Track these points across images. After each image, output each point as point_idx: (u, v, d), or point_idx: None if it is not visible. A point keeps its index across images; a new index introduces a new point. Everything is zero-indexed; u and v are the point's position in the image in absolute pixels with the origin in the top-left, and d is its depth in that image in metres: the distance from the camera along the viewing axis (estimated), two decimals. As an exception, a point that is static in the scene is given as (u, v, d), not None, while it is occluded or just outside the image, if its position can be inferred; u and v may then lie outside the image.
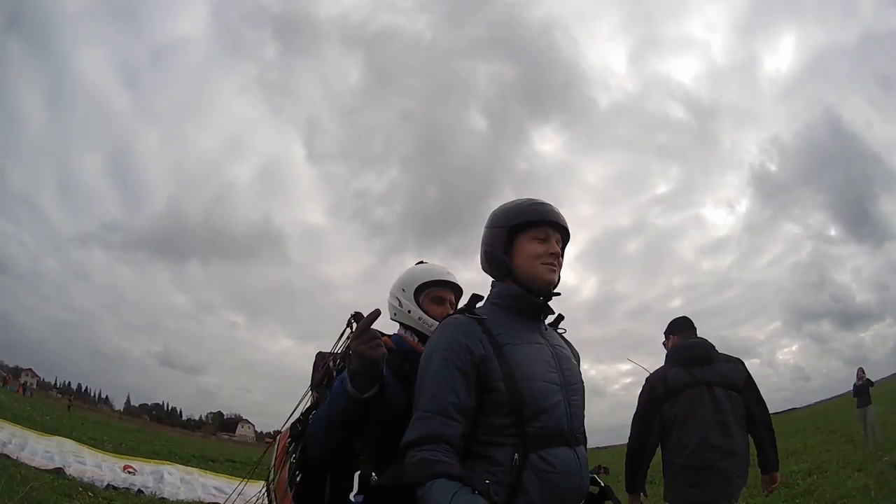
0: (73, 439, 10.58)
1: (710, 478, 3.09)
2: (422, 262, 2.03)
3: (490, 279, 1.71)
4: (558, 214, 1.63)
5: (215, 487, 9.16)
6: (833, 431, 15.96)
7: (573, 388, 1.54)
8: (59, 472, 7.56)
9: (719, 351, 3.45)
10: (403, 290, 1.91)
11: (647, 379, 3.51)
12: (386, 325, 1.90)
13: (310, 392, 1.74)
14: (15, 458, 7.64)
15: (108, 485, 7.69)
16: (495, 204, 1.73)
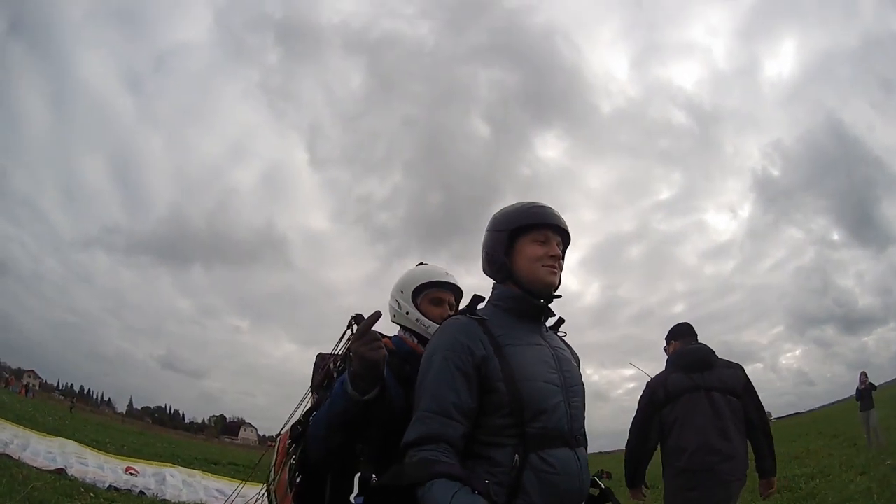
0: (76, 441, 10.59)
1: (709, 481, 3.12)
2: (422, 264, 2.02)
3: (491, 282, 1.72)
4: (558, 217, 1.64)
5: (217, 490, 9.14)
6: (836, 436, 15.89)
7: (573, 389, 1.55)
8: (60, 472, 7.56)
9: (721, 356, 3.50)
10: (402, 291, 1.91)
11: (647, 384, 3.57)
12: (388, 328, 1.91)
13: (310, 393, 1.74)
14: (17, 458, 7.65)
15: (110, 486, 7.70)
16: (498, 209, 1.74)
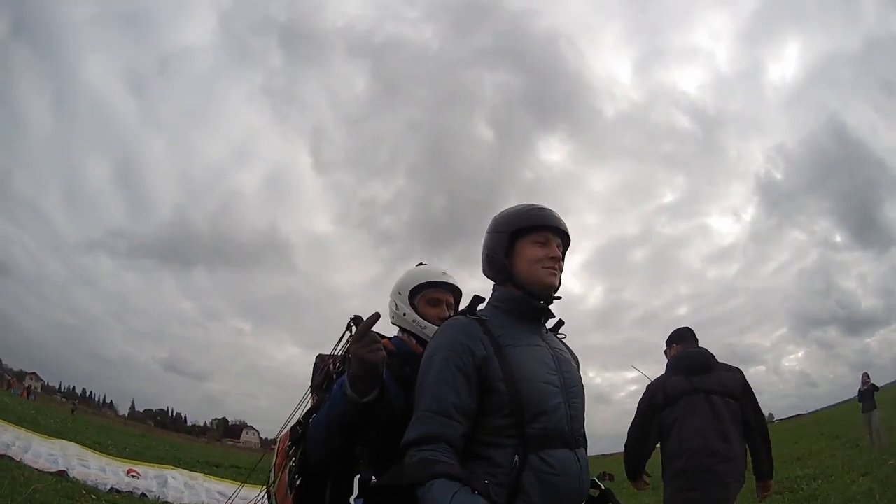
0: (77, 443, 10.59)
1: (708, 481, 3.17)
2: (422, 264, 2.02)
3: (492, 284, 1.72)
4: (558, 219, 1.65)
5: (219, 492, 9.13)
6: (838, 437, 15.88)
7: (573, 390, 1.55)
8: (62, 474, 7.56)
9: (724, 359, 3.56)
10: (399, 293, 1.90)
11: (647, 386, 3.63)
12: (388, 329, 1.92)
13: (310, 394, 1.74)
14: (18, 459, 7.65)
15: (112, 488, 7.68)
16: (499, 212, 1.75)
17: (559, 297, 1.64)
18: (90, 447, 10.74)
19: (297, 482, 1.57)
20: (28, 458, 7.88)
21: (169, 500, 8.05)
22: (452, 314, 1.83)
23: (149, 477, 8.89)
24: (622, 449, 3.66)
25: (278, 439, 1.72)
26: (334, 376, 1.66)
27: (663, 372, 3.66)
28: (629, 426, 3.60)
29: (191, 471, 11.07)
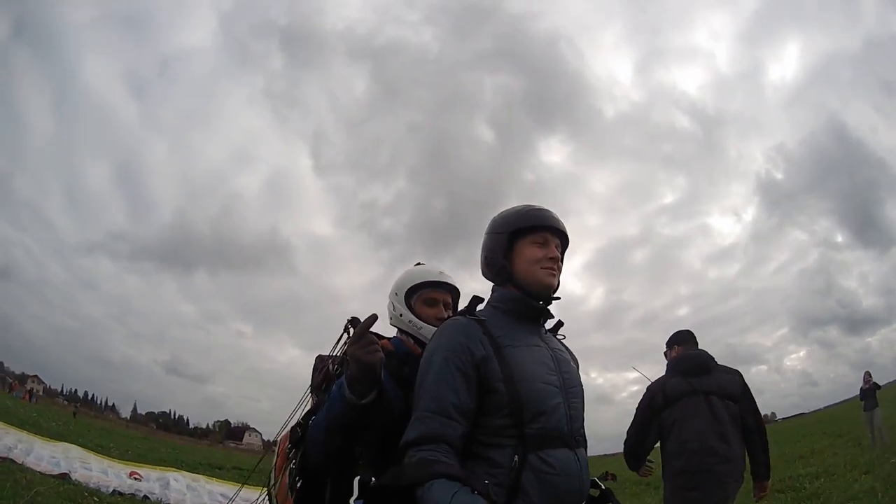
0: (79, 445, 10.60)
1: (708, 481, 3.19)
2: (420, 264, 2.01)
3: (491, 285, 1.72)
4: (557, 220, 1.65)
5: (221, 494, 9.13)
6: (840, 435, 15.88)
7: (572, 390, 1.55)
8: (64, 477, 7.57)
9: (726, 359, 3.61)
10: (396, 293, 1.89)
11: (647, 388, 3.67)
12: (388, 330, 1.92)
13: (309, 394, 1.74)
14: (21, 462, 7.66)
15: (114, 491, 7.70)
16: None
17: (558, 298, 1.64)
18: (92, 450, 10.77)
19: (298, 484, 1.57)
20: (30, 461, 7.89)
21: (171, 502, 8.05)
22: (451, 314, 1.83)
23: (151, 479, 8.91)
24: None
25: (278, 441, 1.73)
26: (334, 377, 1.66)
27: (663, 373, 3.70)
28: (629, 426, 3.65)
29: (193, 473, 11.09)
